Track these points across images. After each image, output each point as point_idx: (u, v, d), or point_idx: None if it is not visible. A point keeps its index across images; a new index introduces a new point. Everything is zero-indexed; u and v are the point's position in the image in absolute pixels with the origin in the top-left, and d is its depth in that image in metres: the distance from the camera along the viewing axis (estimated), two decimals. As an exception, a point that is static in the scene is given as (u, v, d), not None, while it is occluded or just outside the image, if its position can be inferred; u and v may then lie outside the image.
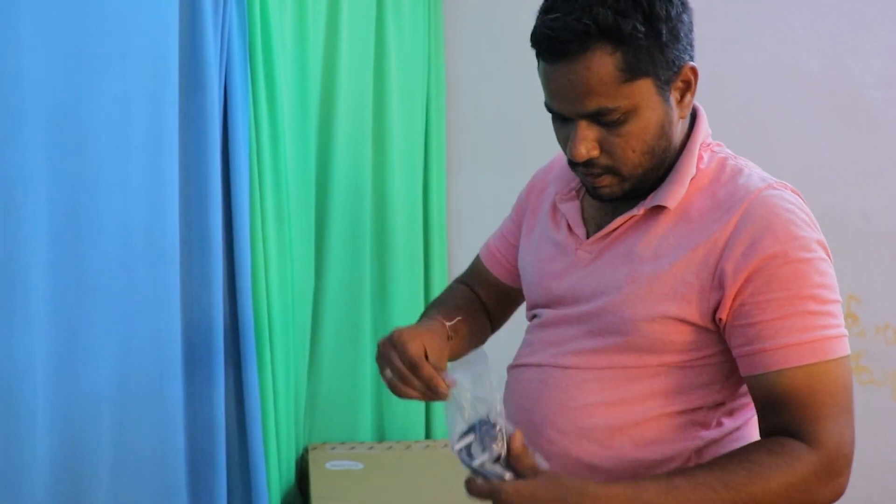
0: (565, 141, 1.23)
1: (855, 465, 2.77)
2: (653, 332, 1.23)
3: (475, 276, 1.62)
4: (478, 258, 1.63)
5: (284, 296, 2.36)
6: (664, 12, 1.16)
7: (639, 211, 1.26)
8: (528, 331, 1.44)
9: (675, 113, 1.23)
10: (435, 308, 1.49)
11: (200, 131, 1.98)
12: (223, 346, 2.09)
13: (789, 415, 1.16)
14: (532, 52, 1.27)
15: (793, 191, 1.24)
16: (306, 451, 2.62)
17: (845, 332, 1.18)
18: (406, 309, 2.75)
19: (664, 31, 1.16)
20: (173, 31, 1.86)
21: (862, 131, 2.78)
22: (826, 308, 1.16)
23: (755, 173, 1.25)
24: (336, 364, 2.69)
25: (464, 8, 2.84)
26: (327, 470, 2.50)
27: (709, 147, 1.30)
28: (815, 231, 1.21)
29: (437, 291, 2.81)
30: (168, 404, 1.91)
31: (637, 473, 1.22)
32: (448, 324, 1.37)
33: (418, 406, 2.80)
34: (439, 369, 1.26)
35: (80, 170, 1.65)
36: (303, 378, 2.60)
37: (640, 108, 1.18)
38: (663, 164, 1.25)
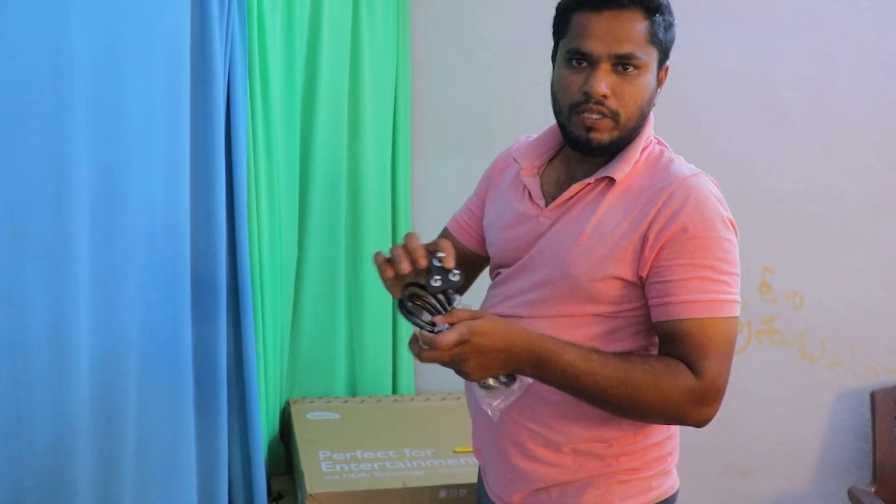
0: (577, 85, 1.40)
1: (767, 413, 3.20)
2: (593, 287, 1.39)
3: None
4: (445, 230, 1.74)
5: (273, 265, 2.48)
6: (671, 17, 1.42)
7: (592, 180, 1.44)
8: (491, 286, 1.59)
9: (655, 94, 1.44)
10: None
11: (207, 123, 2.09)
12: (225, 306, 2.21)
13: (684, 351, 1.33)
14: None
15: (711, 180, 1.42)
16: (288, 403, 2.76)
17: (736, 299, 1.35)
18: (376, 279, 2.63)
19: (671, 26, 1.42)
20: (185, 38, 1.97)
21: (776, 126, 2.95)
22: (723, 278, 1.34)
23: (684, 165, 1.44)
24: (314, 327, 2.81)
25: (428, 14, 2.93)
26: (308, 419, 2.65)
27: (653, 141, 1.50)
28: (725, 212, 1.38)
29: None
30: (180, 353, 2.03)
31: None
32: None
33: (386, 365, 2.93)
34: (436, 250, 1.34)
35: (115, 155, 1.72)
36: (286, 339, 2.71)
37: (649, 68, 1.39)
38: (631, 136, 1.44)
